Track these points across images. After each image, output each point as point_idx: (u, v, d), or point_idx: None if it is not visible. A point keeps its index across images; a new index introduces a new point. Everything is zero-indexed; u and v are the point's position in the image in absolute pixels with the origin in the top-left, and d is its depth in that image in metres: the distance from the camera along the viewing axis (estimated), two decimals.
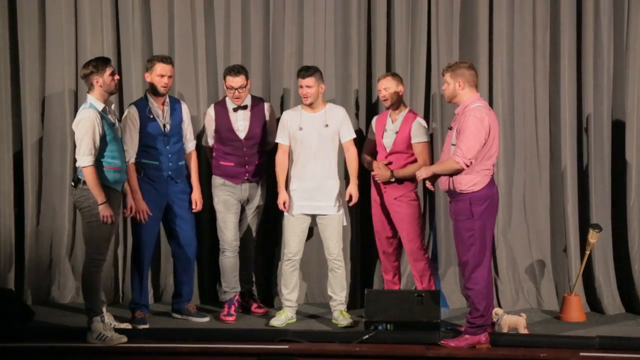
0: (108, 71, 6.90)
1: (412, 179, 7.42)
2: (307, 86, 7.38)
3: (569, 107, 7.95)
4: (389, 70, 8.02)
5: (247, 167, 7.66)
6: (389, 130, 7.56)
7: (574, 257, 7.89)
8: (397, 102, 7.53)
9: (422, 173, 6.88)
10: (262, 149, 7.75)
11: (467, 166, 6.65)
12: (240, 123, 7.66)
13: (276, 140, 7.56)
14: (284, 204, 7.49)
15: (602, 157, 7.95)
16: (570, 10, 7.96)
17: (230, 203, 7.68)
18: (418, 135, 7.47)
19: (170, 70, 7.45)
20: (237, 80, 7.53)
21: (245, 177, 7.66)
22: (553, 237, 8.09)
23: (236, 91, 7.55)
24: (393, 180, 7.45)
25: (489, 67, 8.01)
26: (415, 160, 7.48)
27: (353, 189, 7.50)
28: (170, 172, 7.51)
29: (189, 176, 7.65)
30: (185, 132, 7.62)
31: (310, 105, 7.44)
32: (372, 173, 7.58)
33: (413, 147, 7.48)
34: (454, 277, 8.02)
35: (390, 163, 7.52)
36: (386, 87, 7.49)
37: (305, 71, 7.42)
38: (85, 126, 6.79)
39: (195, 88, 8.17)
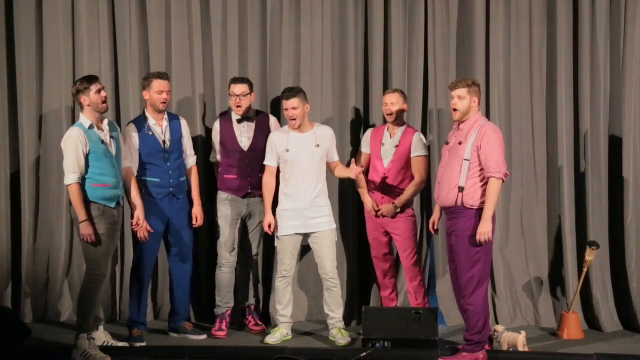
0: (94, 89, 6.88)
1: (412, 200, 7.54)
2: (293, 108, 7.32)
3: (566, 125, 7.96)
4: (386, 87, 8.04)
5: (249, 179, 7.65)
6: (387, 144, 7.57)
7: (571, 275, 7.89)
8: (401, 118, 7.56)
9: (485, 229, 6.62)
10: None
11: (506, 177, 6.71)
12: (244, 135, 7.67)
13: (264, 162, 7.55)
14: (269, 226, 7.48)
15: (599, 175, 7.96)
16: (567, 28, 7.99)
17: (231, 218, 7.67)
18: (418, 149, 7.52)
19: (167, 85, 7.47)
20: (239, 87, 7.56)
21: (249, 190, 7.66)
22: (551, 254, 8.09)
23: (238, 98, 7.56)
24: (399, 210, 7.50)
25: (486, 85, 8.01)
26: (411, 177, 7.51)
27: None
28: (171, 189, 7.50)
29: (190, 192, 7.65)
30: (185, 148, 7.62)
31: (297, 127, 7.41)
32: (379, 213, 7.59)
33: (412, 161, 7.51)
34: (452, 294, 7.98)
35: (386, 178, 7.55)
36: (393, 102, 7.52)
37: (289, 92, 7.34)
38: (69, 144, 6.82)
39: (193, 105, 8.16)
